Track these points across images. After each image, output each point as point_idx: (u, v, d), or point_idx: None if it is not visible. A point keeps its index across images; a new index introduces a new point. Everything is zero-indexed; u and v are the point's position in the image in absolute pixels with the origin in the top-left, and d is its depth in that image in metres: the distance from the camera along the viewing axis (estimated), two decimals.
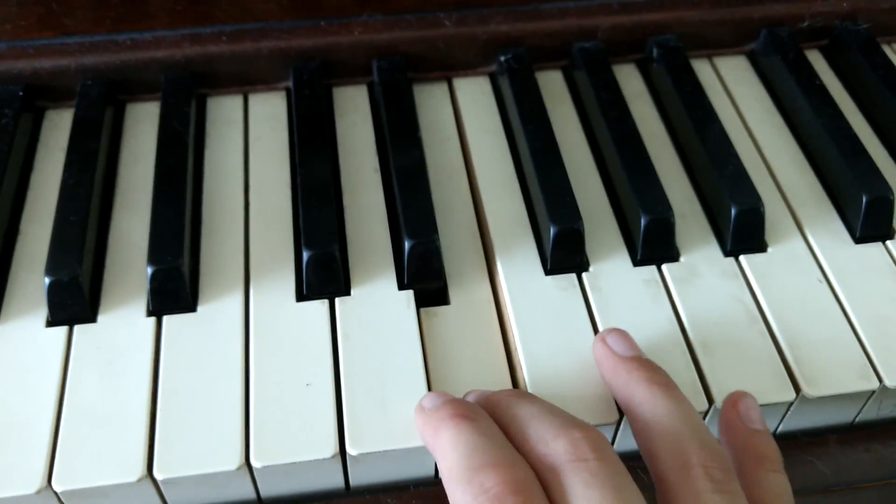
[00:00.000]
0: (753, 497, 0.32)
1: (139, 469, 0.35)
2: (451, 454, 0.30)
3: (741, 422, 0.35)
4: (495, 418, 0.33)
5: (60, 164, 0.46)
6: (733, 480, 0.31)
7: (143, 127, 0.49)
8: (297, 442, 0.36)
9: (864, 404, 0.40)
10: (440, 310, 0.41)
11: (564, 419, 0.32)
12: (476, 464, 0.29)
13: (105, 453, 0.35)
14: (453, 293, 0.42)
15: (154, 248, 0.40)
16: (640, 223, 0.42)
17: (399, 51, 0.50)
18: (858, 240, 0.45)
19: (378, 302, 0.41)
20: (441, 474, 0.31)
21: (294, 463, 0.35)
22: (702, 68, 0.54)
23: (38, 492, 0.35)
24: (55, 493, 0.35)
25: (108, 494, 0.35)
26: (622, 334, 0.37)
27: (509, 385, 0.38)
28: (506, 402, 0.33)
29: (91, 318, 0.40)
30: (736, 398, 0.36)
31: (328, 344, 0.39)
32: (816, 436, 0.41)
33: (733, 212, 0.43)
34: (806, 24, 0.53)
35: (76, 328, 0.40)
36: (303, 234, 0.41)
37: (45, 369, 0.38)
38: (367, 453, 0.36)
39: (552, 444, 0.30)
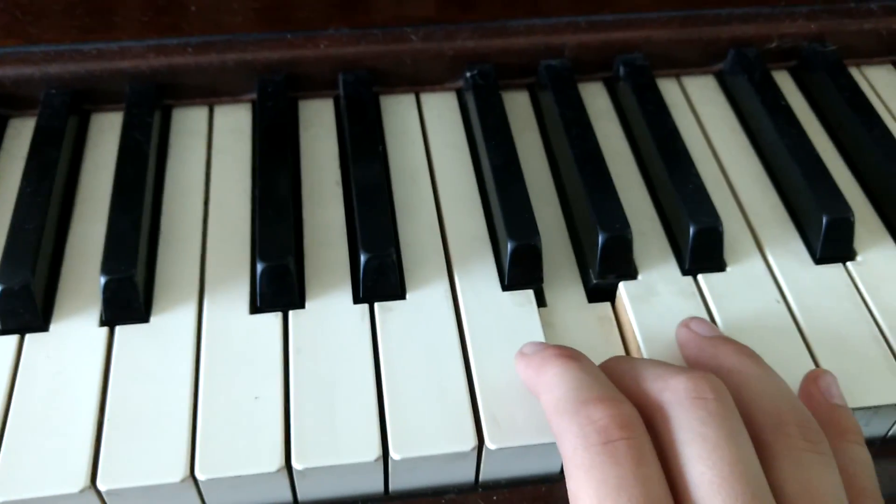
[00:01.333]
0: (839, 465, 0.32)
1: (82, 479, 0.35)
2: (557, 388, 0.31)
3: (822, 396, 0.36)
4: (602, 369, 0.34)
5: (20, 172, 0.46)
6: (825, 442, 0.31)
7: (106, 137, 0.49)
8: (242, 455, 0.35)
9: None
10: (395, 304, 0.41)
11: (678, 367, 0.32)
12: (584, 397, 0.30)
13: (49, 462, 0.35)
14: (411, 295, 0.42)
15: (108, 257, 0.40)
16: (597, 240, 0.42)
17: (365, 65, 0.51)
18: (819, 260, 0.44)
19: (332, 315, 0.41)
20: (545, 407, 0.32)
21: (239, 476, 0.35)
22: (669, 87, 0.54)
23: None
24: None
25: None
26: (703, 320, 0.38)
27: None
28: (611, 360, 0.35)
29: (43, 326, 0.40)
30: (816, 374, 0.37)
31: (279, 357, 0.39)
32: None
33: (692, 230, 0.43)
34: (774, 44, 0.54)
35: (27, 336, 0.40)
36: (257, 246, 0.41)
37: None
38: (313, 468, 0.35)
39: (671, 381, 0.31)
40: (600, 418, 0.29)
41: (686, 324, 0.38)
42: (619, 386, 0.32)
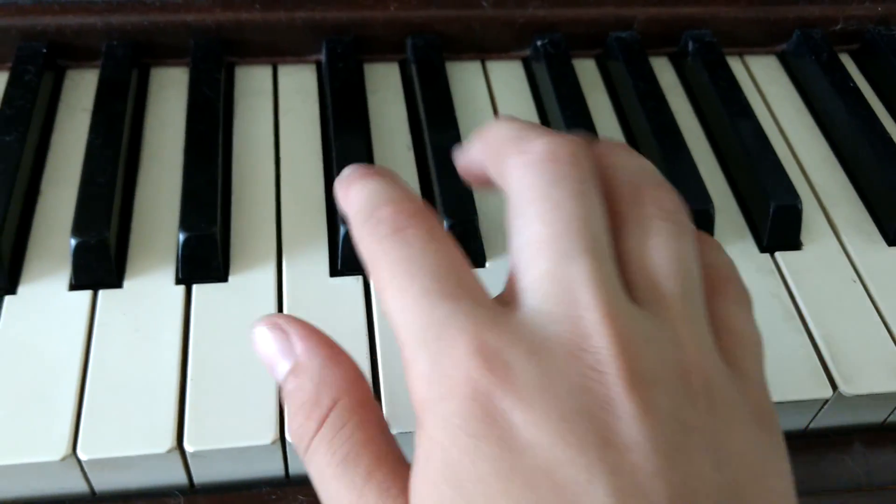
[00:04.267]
0: (703, 261, 0.29)
1: (168, 440, 0.34)
2: (354, 205, 0.29)
3: None
4: None
5: (83, 125, 0.45)
6: (683, 215, 0.29)
7: (169, 91, 0.48)
8: None
9: None
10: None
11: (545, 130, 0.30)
12: (375, 203, 0.28)
13: (132, 423, 0.34)
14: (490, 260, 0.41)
15: (186, 213, 0.39)
16: None
17: (433, 30, 0.50)
18: (892, 242, 0.44)
19: None
20: (350, 228, 0.30)
21: None
22: (733, 66, 0.53)
23: (63, 459, 0.33)
24: (79, 461, 0.33)
25: (134, 465, 0.34)
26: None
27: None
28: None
29: (117, 283, 0.39)
30: None
31: (363, 321, 0.38)
32: (846, 434, 0.41)
33: (772, 207, 0.43)
34: (839, 26, 0.53)
35: (101, 293, 0.38)
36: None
37: (69, 333, 0.37)
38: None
39: (533, 143, 0.28)
40: (388, 214, 0.27)
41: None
42: (489, 153, 0.30)
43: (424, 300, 0.25)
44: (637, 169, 0.29)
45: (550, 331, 0.24)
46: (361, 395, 0.28)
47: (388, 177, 0.30)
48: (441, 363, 0.24)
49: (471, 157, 0.31)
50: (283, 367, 0.29)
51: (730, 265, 0.31)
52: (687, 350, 0.25)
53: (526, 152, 0.28)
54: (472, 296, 0.25)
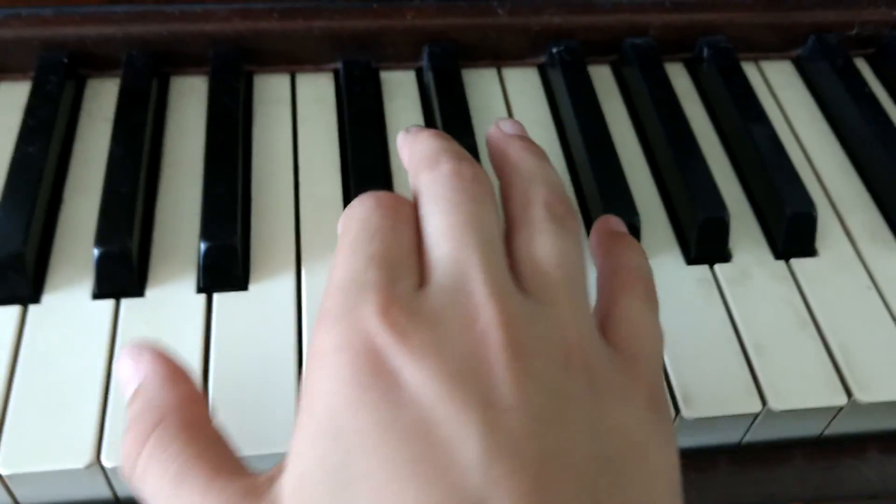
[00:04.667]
0: (617, 263, 0.33)
1: None
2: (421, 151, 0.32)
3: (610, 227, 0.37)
4: None
5: (104, 134, 0.45)
6: (572, 219, 0.31)
7: (188, 100, 0.48)
8: None
9: None
10: None
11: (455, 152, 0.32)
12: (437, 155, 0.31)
13: None
14: None
15: (207, 223, 0.40)
16: (695, 221, 0.42)
17: (450, 37, 0.50)
18: None
19: None
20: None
21: None
22: (748, 71, 0.53)
23: (88, 467, 0.34)
24: (103, 468, 0.34)
25: None
26: (513, 121, 0.37)
27: None
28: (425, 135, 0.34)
29: (139, 292, 0.39)
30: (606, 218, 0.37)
31: None
32: (860, 441, 0.41)
33: (787, 214, 0.43)
34: (854, 31, 0.53)
35: (123, 302, 0.39)
36: None
37: (92, 342, 0.37)
38: None
39: (441, 166, 0.31)
40: (362, 209, 0.30)
41: (496, 123, 0.37)
42: (410, 165, 0.33)
43: (364, 261, 0.28)
44: (537, 178, 0.32)
45: (447, 303, 0.26)
46: (194, 413, 0.29)
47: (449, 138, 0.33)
48: (349, 314, 0.26)
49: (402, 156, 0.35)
50: (129, 390, 0.30)
51: (645, 269, 0.33)
52: (568, 330, 0.27)
53: (436, 170, 0.31)
54: (402, 272, 0.28)
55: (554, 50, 0.50)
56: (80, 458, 0.34)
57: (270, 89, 0.49)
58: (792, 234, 0.43)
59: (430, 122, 0.48)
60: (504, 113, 0.50)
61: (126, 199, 0.40)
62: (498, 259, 0.28)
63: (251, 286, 0.40)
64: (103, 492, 0.36)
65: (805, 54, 0.54)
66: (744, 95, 0.49)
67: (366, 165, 0.43)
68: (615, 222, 0.37)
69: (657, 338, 0.31)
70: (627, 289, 0.32)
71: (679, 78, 0.53)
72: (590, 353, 0.27)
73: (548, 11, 0.50)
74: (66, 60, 0.47)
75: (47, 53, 0.47)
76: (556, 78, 0.50)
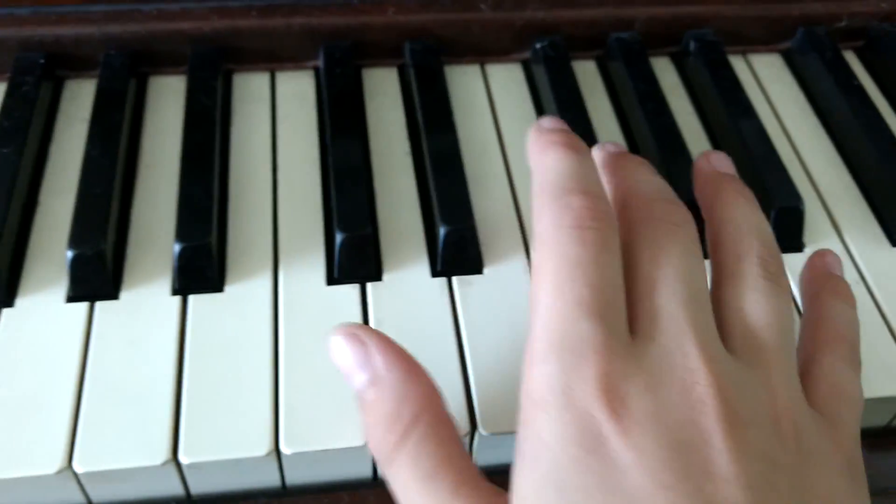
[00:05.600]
0: (819, 315, 0.33)
1: (164, 452, 0.34)
2: (549, 172, 0.32)
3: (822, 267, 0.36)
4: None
5: (81, 135, 0.45)
6: (784, 276, 0.32)
7: (166, 101, 0.48)
8: (327, 430, 0.34)
9: None
10: (474, 279, 0.40)
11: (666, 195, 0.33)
12: (570, 186, 0.31)
13: (128, 436, 0.34)
14: (489, 269, 0.41)
15: (182, 224, 0.39)
16: None
17: (432, 34, 0.49)
18: None
19: (411, 288, 0.40)
20: (534, 188, 0.33)
21: (325, 450, 0.34)
22: (736, 65, 0.53)
23: (59, 472, 0.33)
24: (75, 474, 0.34)
25: (131, 477, 0.34)
26: (724, 155, 0.38)
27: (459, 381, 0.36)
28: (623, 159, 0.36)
29: (113, 294, 0.39)
30: (822, 253, 0.38)
31: None
32: None
33: (774, 210, 0.42)
34: (843, 23, 0.53)
35: (98, 305, 0.38)
36: (335, 216, 0.40)
37: (65, 346, 0.37)
38: None
39: (655, 206, 0.32)
40: (578, 207, 0.30)
41: (706, 156, 0.38)
42: (614, 184, 0.34)
43: (575, 309, 0.28)
44: (752, 227, 0.32)
45: (665, 366, 0.27)
46: (440, 412, 0.30)
47: (589, 159, 0.33)
48: (569, 375, 0.27)
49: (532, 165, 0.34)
50: (360, 378, 0.30)
51: (853, 324, 0.34)
52: (778, 397, 0.28)
53: (650, 208, 0.32)
54: (614, 318, 0.28)
55: (538, 45, 0.50)
56: (51, 463, 0.33)
57: (250, 88, 0.49)
58: (779, 228, 0.43)
59: (411, 120, 0.47)
60: (487, 110, 0.49)
61: (100, 200, 0.40)
62: (708, 318, 0.29)
63: (227, 287, 0.39)
64: (76, 498, 0.35)
65: (794, 47, 0.53)
66: (731, 89, 0.48)
67: (346, 164, 0.42)
68: (832, 261, 0.37)
69: (858, 402, 0.31)
70: (832, 347, 0.32)
71: (666, 72, 0.52)
72: (798, 419, 0.28)
73: (531, 6, 0.49)
74: (42, 61, 0.46)
75: (24, 54, 0.47)
76: (540, 74, 0.49)
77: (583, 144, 0.34)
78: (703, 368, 0.27)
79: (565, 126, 0.36)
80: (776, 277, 0.31)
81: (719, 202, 0.34)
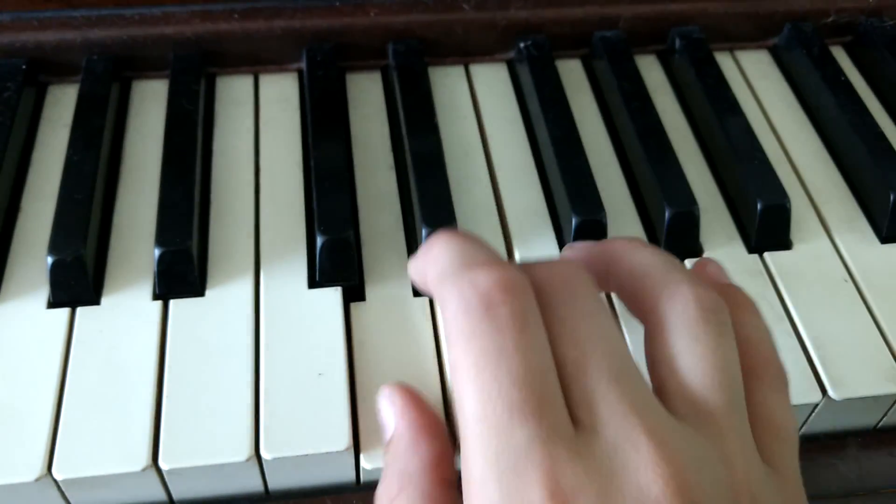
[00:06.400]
0: (741, 336, 0.30)
1: (144, 458, 0.33)
2: (441, 259, 0.29)
3: (713, 279, 0.34)
4: None
5: (64, 140, 0.45)
6: (724, 312, 0.29)
7: (149, 105, 0.47)
8: (309, 434, 0.34)
9: (891, 407, 0.39)
10: None
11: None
12: (468, 262, 0.28)
13: (108, 442, 0.34)
14: None
15: (162, 229, 0.39)
16: (664, 216, 0.41)
17: (415, 34, 0.49)
18: (884, 239, 0.43)
19: (393, 291, 0.39)
20: (430, 285, 0.30)
21: (306, 455, 0.34)
22: (723, 62, 0.53)
23: (38, 479, 0.33)
24: (55, 481, 0.33)
25: (111, 483, 0.34)
26: (719, 266, 0.36)
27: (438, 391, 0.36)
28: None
29: (94, 300, 0.39)
30: (703, 263, 0.36)
31: (341, 333, 0.38)
32: (838, 438, 0.40)
33: (759, 207, 0.42)
34: (831, 19, 0.52)
35: (78, 310, 0.38)
36: (317, 219, 0.39)
37: (46, 352, 0.37)
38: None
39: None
40: (483, 282, 0.27)
41: (703, 263, 0.36)
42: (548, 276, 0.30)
43: (506, 417, 0.25)
44: (659, 263, 0.30)
45: (617, 465, 0.25)
46: (436, 478, 0.29)
47: (478, 239, 0.30)
48: (512, 498, 0.24)
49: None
50: (387, 435, 0.32)
51: (766, 340, 0.31)
52: (736, 468, 0.26)
53: (566, 290, 0.29)
54: (551, 411, 0.25)
55: (522, 45, 0.49)
56: (30, 471, 0.33)
57: (233, 91, 0.49)
58: (765, 226, 0.42)
59: (394, 121, 0.47)
60: (471, 111, 0.49)
61: (81, 206, 0.40)
62: (643, 390, 0.27)
63: (208, 291, 0.39)
64: None
65: (781, 43, 0.53)
66: (717, 86, 0.48)
67: (328, 167, 0.42)
68: (715, 271, 0.35)
69: (794, 435, 0.30)
70: (758, 374, 0.30)
71: (651, 70, 0.52)
72: (755, 489, 0.26)
73: (514, 5, 0.49)
74: (24, 67, 0.46)
75: (6, 60, 0.46)
76: (524, 73, 0.49)
77: (464, 232, 0.31)
78: (657, 462, 0.25)
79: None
80: (718, 314, 0.29)
81: (623, 251, 0.32)
